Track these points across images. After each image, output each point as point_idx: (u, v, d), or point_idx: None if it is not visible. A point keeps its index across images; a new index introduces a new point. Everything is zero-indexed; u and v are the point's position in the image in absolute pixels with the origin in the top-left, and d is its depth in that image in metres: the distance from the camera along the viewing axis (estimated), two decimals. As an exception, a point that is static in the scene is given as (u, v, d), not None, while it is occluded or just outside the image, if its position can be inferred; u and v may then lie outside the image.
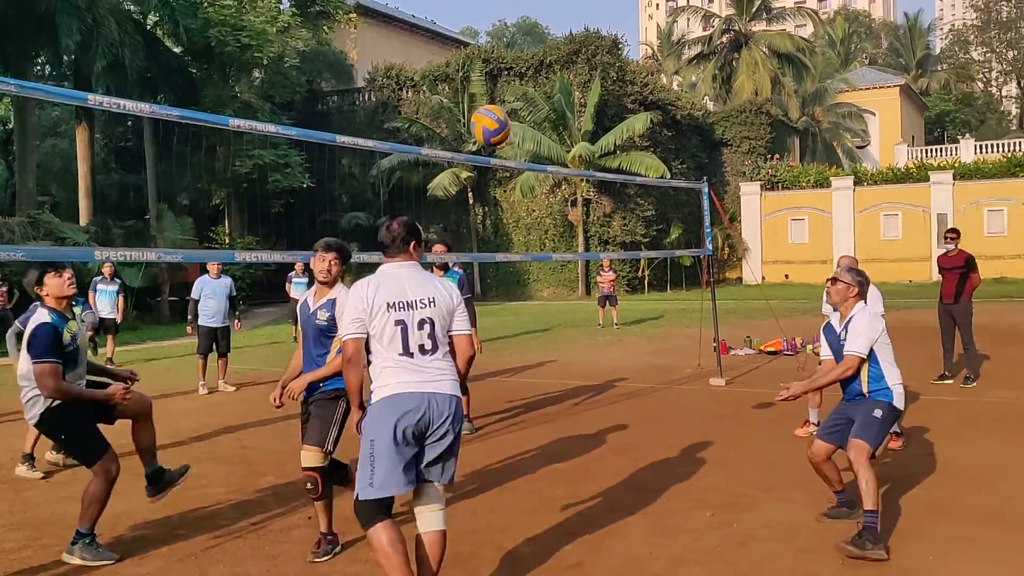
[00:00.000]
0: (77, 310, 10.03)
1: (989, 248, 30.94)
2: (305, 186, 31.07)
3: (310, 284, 7.29)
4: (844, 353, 5.12)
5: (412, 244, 4.09)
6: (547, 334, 18.40)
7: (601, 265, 22.10)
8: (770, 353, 13.59)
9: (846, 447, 5.05)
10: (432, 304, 3.97)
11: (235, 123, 6.29)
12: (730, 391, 10.35)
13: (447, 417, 3.89)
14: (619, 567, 4.67)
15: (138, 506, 6.01)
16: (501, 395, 10.49)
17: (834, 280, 5.33)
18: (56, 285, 5.14)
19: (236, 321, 12.37)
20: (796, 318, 18.43)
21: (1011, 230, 32.68)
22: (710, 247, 11.32)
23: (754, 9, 48.70)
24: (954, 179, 33.78)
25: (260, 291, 29.61)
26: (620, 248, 31.09)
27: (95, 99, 5.53)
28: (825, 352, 5.49)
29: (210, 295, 11.50)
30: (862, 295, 5.32)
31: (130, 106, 5.79)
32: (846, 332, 5.21)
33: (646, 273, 33.31)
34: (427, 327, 3.94)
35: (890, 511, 5.40)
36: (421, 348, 3.92)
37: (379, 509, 3.82)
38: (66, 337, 5.05)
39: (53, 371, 4.91)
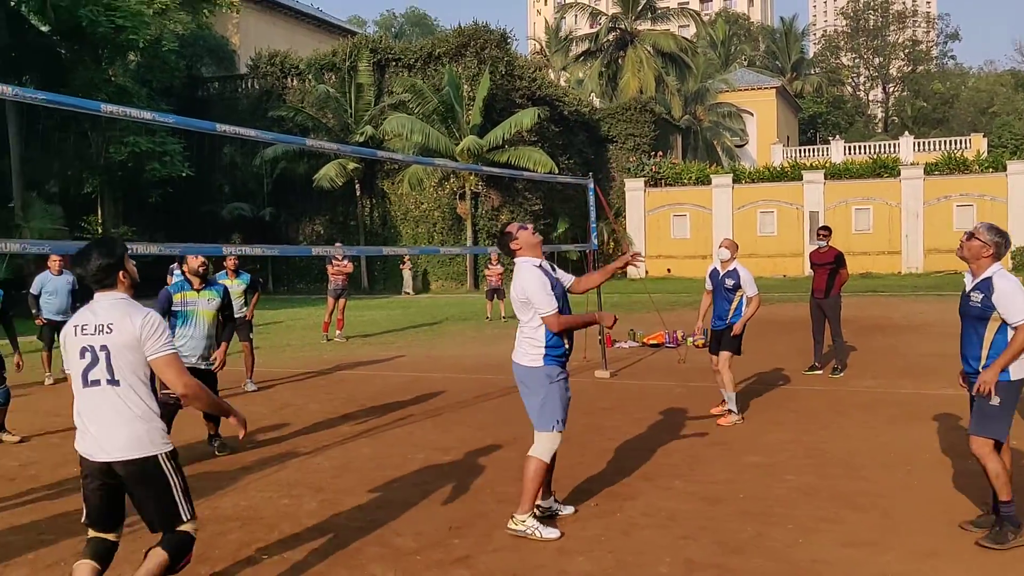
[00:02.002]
0: None
1: (856, 245, 32.55)
2: (185, 175, 29.99)
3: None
4: (1014, 325, 4.66)
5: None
6: (435, 328, 18.36)
7: (489, 259, 22.16)
8: (653, 346, 13.92)
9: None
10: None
11: (108, 108, 6.02)
12: (614, 383, 10.55)
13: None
14: (505, 559, 4.71)
15: (2, 511, 5.75)
16: (387, 390, 10.42)
17: (970, 236, 4.87)
18: None
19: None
20: (678, 311, 18.94)
21: (876, 228, 34.42)
22: (596, 242, 11.51)
23: (639, 8, 49.66)
24: (825, 178, 35.33)
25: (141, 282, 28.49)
26: (508, 242, 31.22)
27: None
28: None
29: (51, 292, 11.31)
30: (998, 255, 4.85)
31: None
32: (981, 294, 4.80)
33: (533, 267, 33.52)
34: None
35: (761, 496, 5.62)
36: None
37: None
38: None
39: None
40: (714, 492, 5.77)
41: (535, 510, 5.11)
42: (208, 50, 38.94)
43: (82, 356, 3.73)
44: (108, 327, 3.71)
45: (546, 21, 76.76)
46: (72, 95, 5.88)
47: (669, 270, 36.18)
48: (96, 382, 3.72)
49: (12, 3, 28.06)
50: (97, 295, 3.80)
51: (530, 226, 5.28)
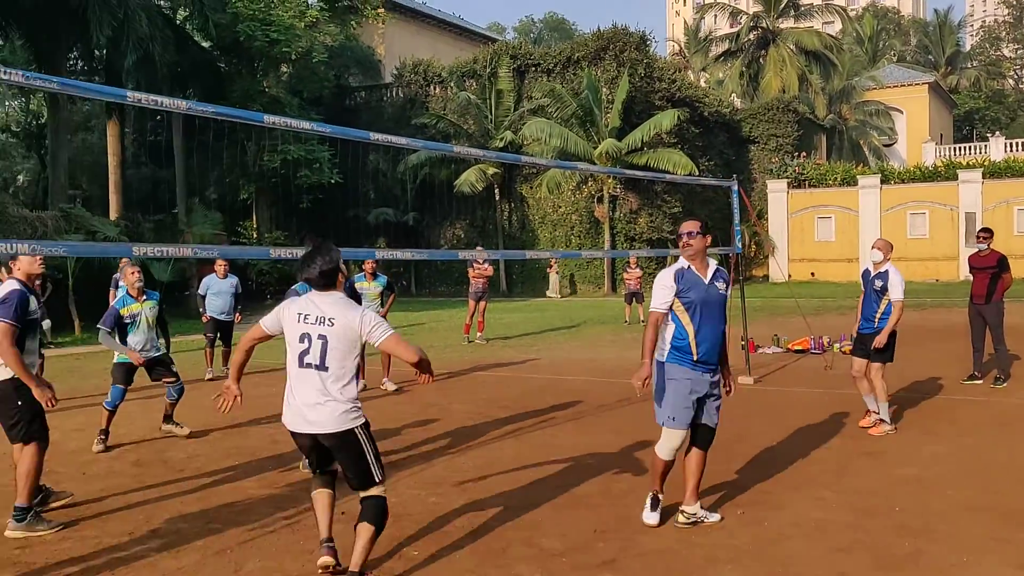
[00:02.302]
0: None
1: (1019, 247, 30.60)
2: (333, 182, 31.21)
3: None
4: None
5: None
6: (573, 331, 18.42)
7: (628, 262, 22.07)
8: (797, 351, 13.54)
9: None
10: None
11: (270, 119, 6.33)
12: (757, 389, 10.33)
13: None
14: (652, 564, 4.70)
15: (174, 500, 6.13)
16: (528, 392, 10.54)
17: None
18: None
19: (237, 315, 12.71)
20: (823, 316, 18.36)
21: (1042, 229, 32.30)
22: (739, 245, 11.30)
23: (782, 6, 48.34)
24: (983, 177, 33.40)
25: (286, 285, 29.82)
26: (646, 245, 31.02)
27: (134, 96, 5.60)
28: None
29: (216, 293, 12.29)
30: None
31: (167, 103, 5.87)
32: None
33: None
34: None
35: (919, 510, 5.39)
36: None
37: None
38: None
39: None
40: (867, 504, 5.58)
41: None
42: (355, 60, 40.26)
43: (300, 341, 4.38)
44: (330, 321, 4.35)
45: (685, 22, 75.76)
46: (230, 106, 6.25)
47: (813, 274, 35.05)
48: (308, 365, 4.36)
49: (178, 21, 29.93)
50: (318, 293, 4.43)
51: (682, 235, 5.35)
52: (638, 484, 6.11)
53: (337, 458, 4.51)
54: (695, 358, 5.20)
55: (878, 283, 7.82)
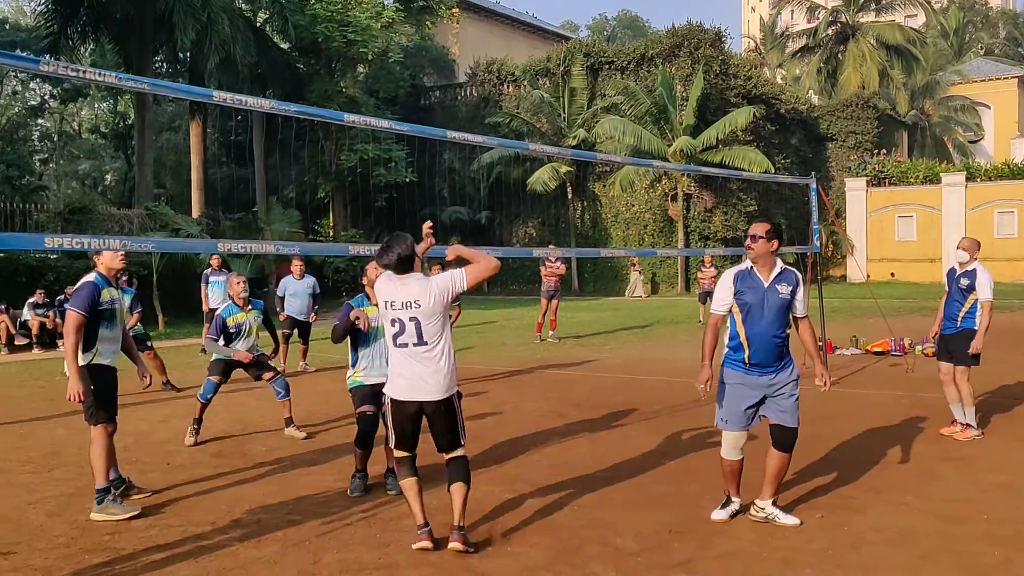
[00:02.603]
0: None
1: (1115, 248, 29.37)
2: (408, 180, 31.54)
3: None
4: None
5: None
6: (646, 330, 18.29)
7: (702, 261, 21.83)
8: (877, 353, 13.22)
9: None
10: None
11: (350, 118, 6.46)
12: (835, 391, 10.07)
13: None
14: (728, 566, 4.65)
15: (254, 491, 6.27)
16: (600, 391, 10.51)
17: None
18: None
19: (312, 314, 12.97)
20: (904, 318, 17.88)
21: None
22: (817, 244, 11.08)
23: (862, 0, 47.20)
24: (1079, 175, 32.12)
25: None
26: (721, 244, 30.64)
27: (219, 95, 5.78)
28: None
29: (293, 294, 12.67)
30: None
31: (250, 102, 6.03)
32: None
33: (747, 270, 32.66)
34: None
35: (1010, 519, 5.22)
36: None
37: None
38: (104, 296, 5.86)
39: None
40: (953, 511, 5.42)
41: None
42: (430, 60, 40.65)
43: (392, 325, 4.86)
44: (416, 303, 4.79)
45: (761, 18, 74.50)
46: (309, 106, 6.40)
47: (893, 274, 34.14)
48: (404, 344, 4.84)
49: (259, 24, 30.63)
50: (398, 277, 4.85)
51: (748, 237, 5.38)
52: (713, 486, 6.05)
53: (433, 424, 4.94)
54: (747, 360, 5.23)
55: (964, 281, 7.59)
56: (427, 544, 4.87)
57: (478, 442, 7.65)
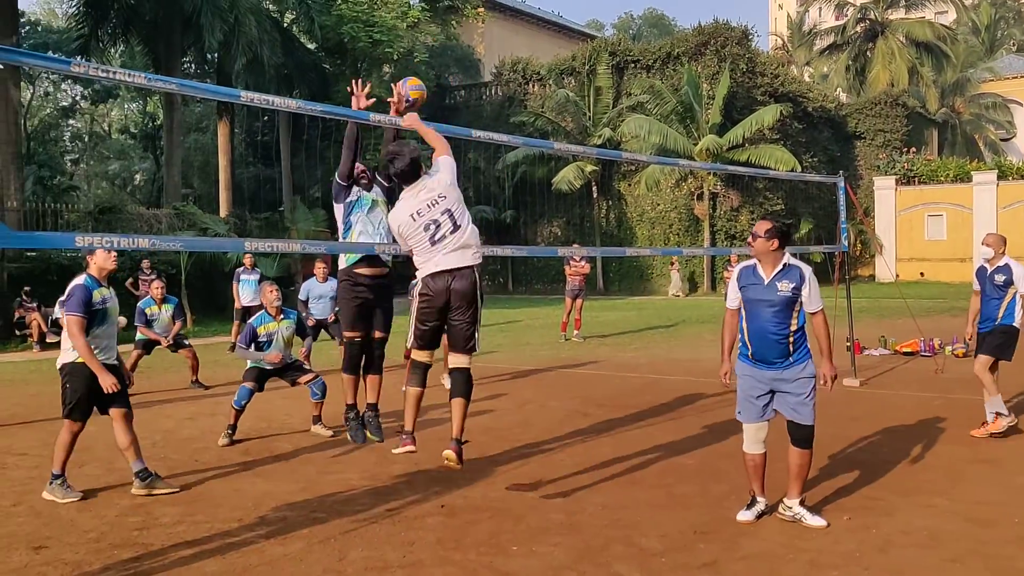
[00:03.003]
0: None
1: None
2: (433, 180, 31.55)
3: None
4: None
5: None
6: (671, 330, 18.22)
7: (729, 260, 21.71)
8: (906, 354, 13.09)
9: None
10: None
11: (375, 118, 6.47)
12: (864, 392, 10.03)
13: None
14: (754, 567, 4.62)
15: (280, 489, 6.31)
16: (625, 390, 10.49)
17: None
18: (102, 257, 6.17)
19: (331, 314, 12.95)
20: (933, 318, 17.68)
21: None
22: (846, 243, 10.99)
23: (891, -3, 46.75)
24: (1111, 173, 31.62)
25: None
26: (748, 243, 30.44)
27: (247, 95, 5.80)
28: None
29: (317, 297, 12.32)
30: None
31: (278, 102, 6.06)
32: None
33: (774, 269, 32.43)
34: None
35: (1042, 523, 5.15)
36: None
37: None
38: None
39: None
40: (983, 514, 5.35)
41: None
42: (455, 59, 40.68)
43: (427, 231, 5.17)
44: (441, 196, 5.22)
45: (788, 16, 73.78)
46: (335, 106, 6.43)
47: (922, 274, 33.77)
48: (443, 238, 5.17)
49: (285, 24, 30.82)
50: (409, 187, 5.30)
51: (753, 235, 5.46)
52: (738, 486, 6.01)
53: (456, 318, 5.23)
54: (750, 354, 5.35)
55: (999, 277, 7.50)
56: (411, 448, 5.36)
57: (502, 441, 7.67)
